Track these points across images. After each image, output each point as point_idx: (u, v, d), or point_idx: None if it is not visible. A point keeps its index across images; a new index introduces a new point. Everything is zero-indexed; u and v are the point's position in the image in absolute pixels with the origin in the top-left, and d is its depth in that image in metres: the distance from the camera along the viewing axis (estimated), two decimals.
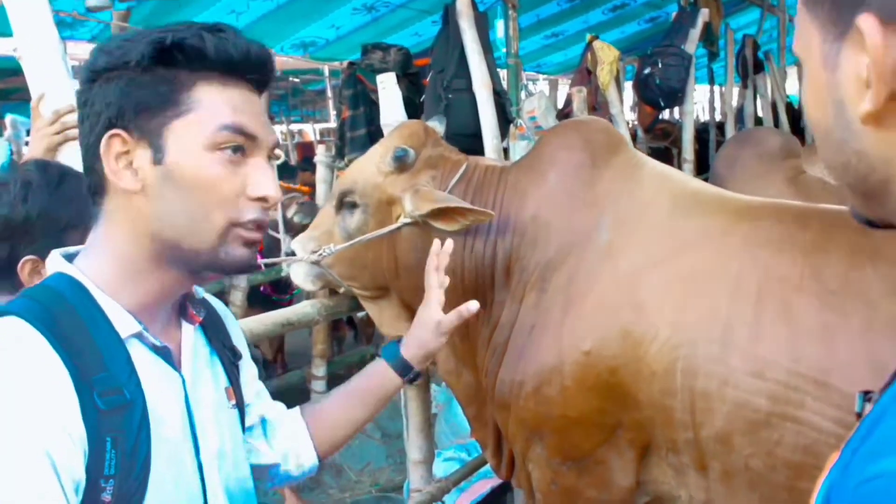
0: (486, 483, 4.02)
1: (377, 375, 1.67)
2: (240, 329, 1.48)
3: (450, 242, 1.74)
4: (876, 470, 0.60)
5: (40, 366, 0.99)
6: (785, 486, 1.91)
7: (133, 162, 1.10)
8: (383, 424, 5.82)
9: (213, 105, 1.10)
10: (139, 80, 1.08)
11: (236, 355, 1.38)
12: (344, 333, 7.20)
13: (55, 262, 1.16)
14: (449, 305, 2.46)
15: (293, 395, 6.05)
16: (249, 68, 1.15)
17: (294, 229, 5.24)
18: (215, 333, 1.33)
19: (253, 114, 1.15)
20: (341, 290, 2.78)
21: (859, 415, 0.92)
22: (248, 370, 1.46)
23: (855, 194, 0.77)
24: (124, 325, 1.11)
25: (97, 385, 1.02)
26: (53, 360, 0.99)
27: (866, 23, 0.65)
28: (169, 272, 1.15)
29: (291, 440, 1.55)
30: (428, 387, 3.27)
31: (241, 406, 1.35)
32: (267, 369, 6.55)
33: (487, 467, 3.70)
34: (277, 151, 1.25)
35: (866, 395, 0.92)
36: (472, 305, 1.68)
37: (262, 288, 5.87)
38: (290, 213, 5.39)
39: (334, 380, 6.10)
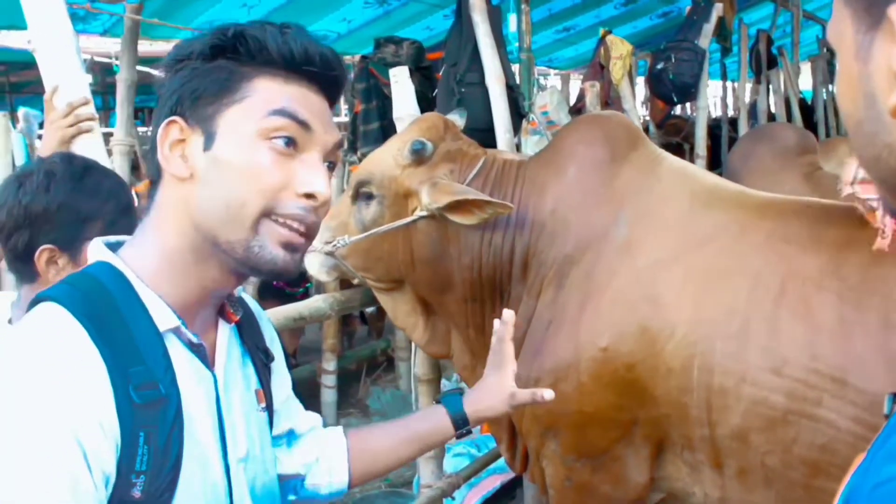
0: (496, 479, 4.02)
1: (433, 421, 1.60)
2: (274, 331, 1.44)
3: (510, 312, 1.69)
4: (891, 472, 0.59)
5: (76, 355, 0.97)
6: (801, 484, 1.90)
7: (185, 150, 1.09)
8: (393, 419, 5.81)
9: (269, 94, 1.08)
10: (200, 70, 1.08)
11: (269, 357, 1.35)
12: (355, 328, 7.20)
13: (98, 250, 1.13)
14: (466, 300, 2.46)
15: (303, 389, 6.08)
16: (312, 65, 1.11)
17: None
18: (249, 334, 1.30)
19: (311, 109, 1.12)
20: (355, 282, 2.77)
21: (888, 416, 0.91)
22: (280, 374, 1.42)
23: (886, 188, 0.74)
24: (163, 318, 1.08)
25: (133, 378, 1.00)
26: (90, 350, 0.98)
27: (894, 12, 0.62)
28: (210, 269, 1.12)
29: (323, 454, 1.51)
30: (439, 381, 3.26)
31: (270, 409, 1.33)
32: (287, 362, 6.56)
33: (497, 463, 3.70)
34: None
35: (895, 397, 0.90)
36: (548, 394, 1.61)
37: (274, 281, 5.88)
38: None
39: (345, 374, 6.12)
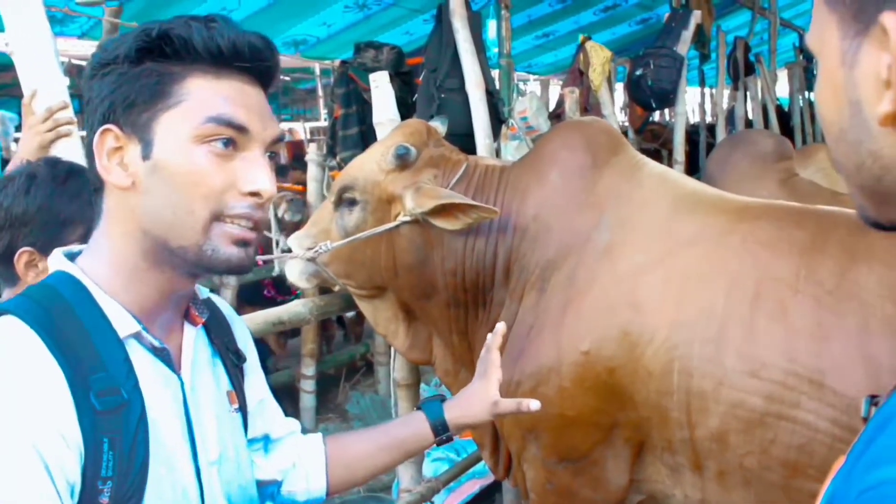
0: (475, 483, 4.02)
1: (412, 429, 1.59)
2: (247, 331, 1.44)
3: (503, 324, 1.69)
4: (878, 477, 0.59)
5: (33, 366, 0.97)
6: (779, 485, 1.92)
7: (124, 158, 1.08)
8: (372, 424, 5.75)
9: (203, 96, 1.07)
10: (128, 75, 1.06)
11: (240, 358, 1.34)
12: (333, 333, 7.19)
13: (56, 260, 1.14)
14: (448, 305, 2.46)
15: (283, 394, 6.06)
16: (242, 58, 1.09)
17: (287, 228, 5.23)
18: (219, 335, 1.30)
19: (247, 106, 1.10)
20: (336, 289, 2.76)
21: (866, 419, 0.91)
22: (254, 375, 1.41)
23: (866, 196, 0.75)
24: (123, 324, 1.08)
25: (94, 385, 1.00)
26: (47, 361, 0.98)
27: (891, 20, 0.63)
28: (164, 272, 1.12)
29: (300, 460, 1.50)
30: (418, 386, 3.26)
31: (244, 410, 1.32)
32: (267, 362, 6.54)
33: (476, 467, 3.70)
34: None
35: (873, 400, 0.91)
36: (534, 404, 1.57)
37: (265, 291, 5.86)
38: (280, 212, 5.38)
39: (324, 379, 6.10)
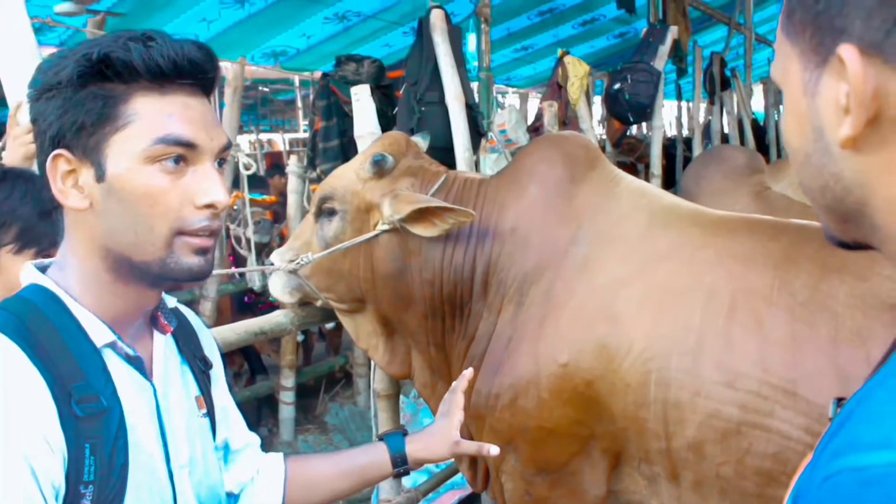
0: (454, 494, 4.03)
1: (372, 457, 1.63)
2: (212, 339, 1.47)
3: (470, 370, 1.74)
4: (838, 466, 0.62)
5: (17, 375, 1.00)
6: (755, 494, 1.95)
7: (79, 180, 1.10)
8: (351, 436, 5.80)
9: (150, 116, 1.09)
10: (73, 99, 1.07)
11: (207, 365, 1.38)
12: (312, 344, 7.18)
13: (29, 273, 1.17)
14: (426, 316, 2.48)
15: (262, 405, 6.05)
16: (184, 74, 1.11)
17: (256, 250, 5.26)
18: (186, 343, 1.33)
19: (193, 120, 1.12)
20: (318, 304, 2.78)
21: (832, 419, 0.96)
22: (219, 381, 1.45)
23: (830, 216, 0.80)
24: (99, 334, 1.12)
25: (74, 393, 1.03)
26: (30, 370, 1.01)
27: (847, 52, 0.68)
28: (129, 285, 1.15)
29: (258, 476, 1.52)
30: (398, 397, 3.27)
31: (211, 415, 1.36)
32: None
33: (455, 478, 3.71)
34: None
35: (839, 402, 0.95)
36: (494, 449, 1.65)
37: (245, 298, 5.87)
38: (248, 233, 5.41)
39: (303, 390, 6.10)
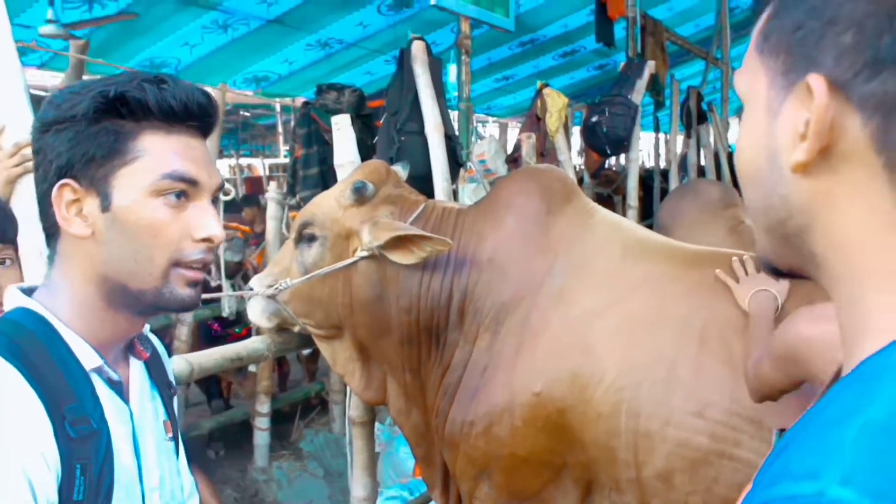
0: None
1: None
2: (171, 364, 1.52)
3: None
4: (770, 495, 0.64)
5: (15, 394, 1.03)
6: None
7: (83, 209, 1.16)
8: (326, 463, 5.78)
9: (157, 153, 1.16)
10: (86, 133, 1.13)
11: (172, 389, 1.42)
12: (288, 370, 7.16)
13: (14, 296, 1.19)
14: (403, 343, 2.50)
15: (237, 431, 6.01)
16: (191, 116, 1.20)
17: (228, 268, 5.26)
18: (156, 369, 1.37)
19: (195, 159, 1.20)
20: (296, 330, 2.79)
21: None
22: (177, 407, 1.49)
23: (771, 238, 0.82)
24: (87, 358, 1.15)
25: (68, 414, 1.07)
26: (27, 390, 1.04)
27: (816, 81, 0.71)
28: (120, 313, 1.20)
29: None
30: (373, 424, 3.28)
31: (176, 439, 1.39)
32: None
33: None
34: (227, 187, 1.31)
35: (781, 433, 0.98)
36: None
37: (213, 329, 5.85)
38: (219, 251, 5.42)
39: (278, 417, 6.07)
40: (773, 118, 0.77)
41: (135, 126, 1.15)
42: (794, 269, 0.83)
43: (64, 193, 1.15)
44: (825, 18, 0.72)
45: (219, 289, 4.94)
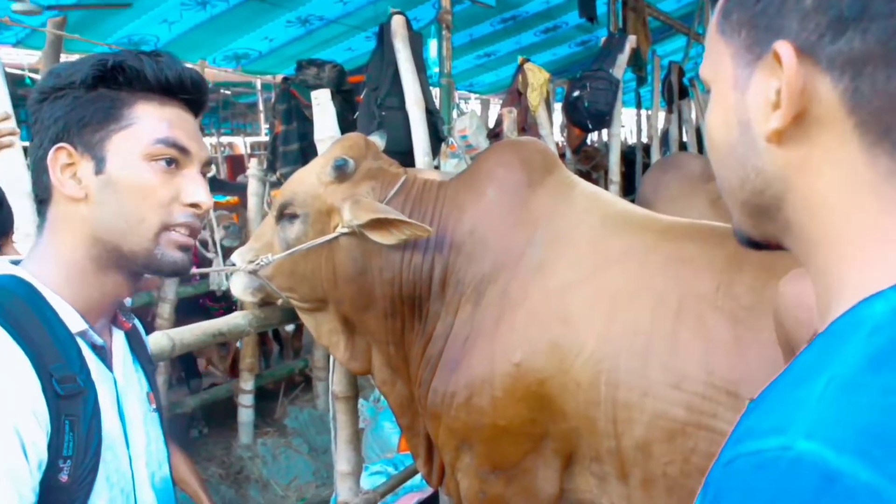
0: (412, 496, 4.06)
1: None
2: (148, 341, 1.56)
3: None
4: (737, 451, 0.66)
5: (3, 353, 1.05)
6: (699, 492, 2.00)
7: (77, 172, 1.20)
8: (311, 439, 5.80)
9: (151, 120, 1.22)
10: (84, 99, 1.20)
11: (153, 364, 1.46)
12: (270, 348, 7.16)
13: (1, 266, 1.21)
14: (386, 315, 2.51)
15: (221, 408, 6.03)
16: (184, 90, 1.27)
17: (226, 255, 5.24)
18: (137, 342, 1.40)
19: (186, 130, 1.26)
20: (279, 303, 2.80)
21: None
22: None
23: (745, 210, 0.84)
24: (73, 321, 1.18)
25: (55, 372, 1.09)
26: (14, 348, 1.06)
27: (784, 48, 0.72)
28: (110, 276, 1.24)
29: None
30: (356, 399, 3.30)
31: (160, 410, 1.42)
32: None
33: (413, 480, 3.74)
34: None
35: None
36: None
37: (200, 301, 5.82)
38: (217, 237, 5.39)
39: (262, 394, 6.08)
40: (742, 93, 0.78)
41: (130, 95, 1.21)
42: (771, 240, 0.84)
43: (59, 156, 1.19)
44: None
45: (212, 263, 4.94)
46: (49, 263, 1.21)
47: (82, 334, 1.19)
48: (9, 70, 7.60)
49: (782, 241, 0.83)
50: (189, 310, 5.41)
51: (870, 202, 0.72)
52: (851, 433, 0.59)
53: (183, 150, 1.24)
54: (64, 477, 1.08)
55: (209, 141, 14.45)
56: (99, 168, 1.20)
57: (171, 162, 1.22)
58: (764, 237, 0.85)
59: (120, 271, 1.24)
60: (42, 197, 1.25)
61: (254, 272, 2.59)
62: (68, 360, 1.13)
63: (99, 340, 1.23)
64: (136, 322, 1.46)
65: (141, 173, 1.20)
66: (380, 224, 2.34)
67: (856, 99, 0.71)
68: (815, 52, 0.72)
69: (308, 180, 2.56)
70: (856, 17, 0.69)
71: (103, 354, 1.25)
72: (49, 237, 1.23)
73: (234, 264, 2.68)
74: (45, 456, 1.05)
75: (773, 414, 0.66)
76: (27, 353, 1.06)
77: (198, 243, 5.68)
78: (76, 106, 1.19)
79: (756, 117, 0.77)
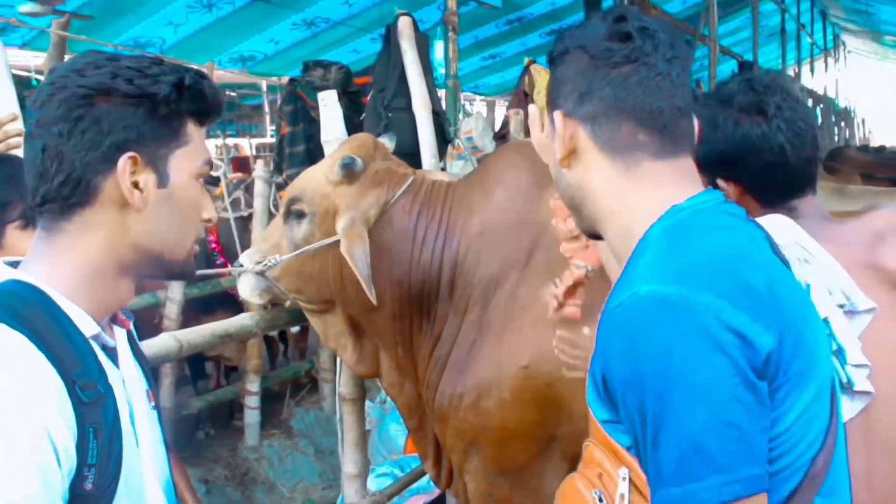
0: (419, 498, 4.05)
1: None
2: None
3: None
4: (620, 298, 1.08)
5: (28, 361, 1.04)
6: None
7: (139, 183, 1.21)
8: (317, 441, 5.80)
9: (197, 140, 1.29)
10: (160, 113, 1.22)
11: (148, 362, 1.47)
12: (277, 350, 7.16)
13: (2, 270, 1.19)
14: (394, 317, 2.51)
15: (227, 410, 6.03)
16: (217, 114, 1.34)
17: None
18: (134, 342, 1.40)
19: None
20: (287, 304, 2.80)
21: None
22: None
23: (572, 212, 1.34)
24: (86, 326, 1.17)
25: (77, 379, 1.09)
26: (38, 356, 1.05)
27: (556, 116, 1.26)
28: (126, 281, 1.26)
29: None
30: (363, 401, 3.29)
31: (159, 408, 1.42)
32: (229, 377, 6.50)
33: (420, 482, 3.74)
34: (217, 162, 1.40)
35: None
36: None
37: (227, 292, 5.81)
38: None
39: (268, 395, 6.08)
40: (553, 140, 1.29)
41: (184, 112, 1.26)
42: (592, 230, 1.31)
43: (127, 166, 1.19)
44: (558, 79, 1.27)
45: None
46: (62, 267, 1.19)
47: (95, 337, 1.19)
48: (15, 72, 7.63)
49: (595, 231, 1.30)
50: (215, 304, 5.41)
51: (619, 186, 1.22)
52: (667, 275, 1.06)
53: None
54: (89, 485, 1.07)
55: (215, 142, 14.52)
56: (162, 182, 1.23)
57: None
58: (587, 229, 1.33)
59: (135, 276, 1.28)
60: (79, 199, 1.19)
61: (261, 273, 2.59)
62: (86, 367, 1.12)
63: (111, 342, 1.23)
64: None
65: (195, 191, 1.29)
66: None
67: (596, 136, 1.22)
68: (573, 114, 1.24)
69: (317, 178, 2.55)
70: (589, 93, 1.21)
71: (113, 354, 1.25)
72: (70, 241, 1.20)
73: (241, 265, 2.67)
74: (74, 462, 1.05)
75: (620, 289, 1.11)
76: (50, 361, 1.06)
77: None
78: (151, 118, 1.21)
79: (556, 153, 1.28)
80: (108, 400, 1.14)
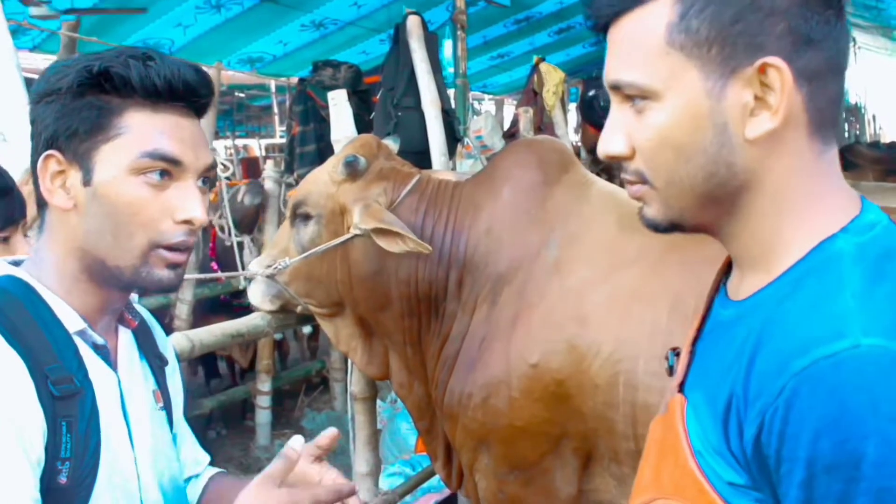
0: (430, 497, 4.05)
1: None
2: (167, 340, 1.51)
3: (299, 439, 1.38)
4: (807, 360, 0.80)
5: None
6: None
7: (66, 182, 1.16)
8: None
9: (141, 131, 1.15)
10: (71, 106, 1.14)
11: (162, 360, 1.42)
12: (288, 349, 7.18)
13: (1, 267, 1.21)
14: (403, 316, 2.51)
15: (238, 410, 6.05)
16: (178, 97, 1.18)
17: (248, 214, 5.21)
18: (145, 339, 1.38)
19: (182, 139, 1.18)
20: (298, 310, 2.80)
21: (671, 369, 1.19)
22: (174, 380, 1.48)
23: (700, 201, 0.96)
24: (71, 321, 1.17)
25: (51, 374, 1.08)
26: (8, 351, 1.05)
27: (781, 63, 0.88)
28: (100, 287, 1.21)
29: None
30: (375, 400, 3.30)
31: (168, 409, 1.40)
32: (244, 377, 6.50)
33: (431, 481, 3.74)
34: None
35: (675, 352, 1.19)
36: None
37: (221, 297, 5.83)
38: (240, 196, 5.38)
39: (280, 395, 6.10)
40: (718, 101, 0.91)
41: (120, 102, 1.15)
42: (703, 225, 1.00)
43: (49, 165, 1.15)
44: (764, 11, 0.88)
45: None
46: (47, 267, 1.20)
47: (81, 333, 1.18)
48: (26, 75, 7.67)
49: (712, 225, 0.99)
50: (209, 307, 5.42)
51: (808, 176, 0.93)
52: (892, 325, 0.80)
53: (174, 162, 1.16)
54: (63, 479, 1.08)
55: (224, 143, 14.53)
56: (87, 179, 1.15)
57: (162, 174, 1.15)
58: (698, 222, 1.00)
59: (108, 284, 1.20)
60: (40, 202, 1.20)
61: (271, 276, 2.59)
62: (64, 361, 1.12)
63: (100, 340, 1.21)
64: (147, 316, 1.44)
65: (128, 188, 1.14)
66: (385, 232, 2.34)
67: (811, 101, 0.90)
68: (791, 66, 0.88)
69: (320, 180, 2.56)
70: (817, 39, 0.89)
71: (105, 354, 1.23)
72: (46, 243, 1.21)
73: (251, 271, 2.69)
74: (41, 458, 1.05)
75: (814, 328, 0.82)
76: (21, 355, 1.06)
77: (216, 229, 5.60)
78: (64, 113, 1.14)
79: (733, 121, 0.91)
80: (85, 394, 1.13)
